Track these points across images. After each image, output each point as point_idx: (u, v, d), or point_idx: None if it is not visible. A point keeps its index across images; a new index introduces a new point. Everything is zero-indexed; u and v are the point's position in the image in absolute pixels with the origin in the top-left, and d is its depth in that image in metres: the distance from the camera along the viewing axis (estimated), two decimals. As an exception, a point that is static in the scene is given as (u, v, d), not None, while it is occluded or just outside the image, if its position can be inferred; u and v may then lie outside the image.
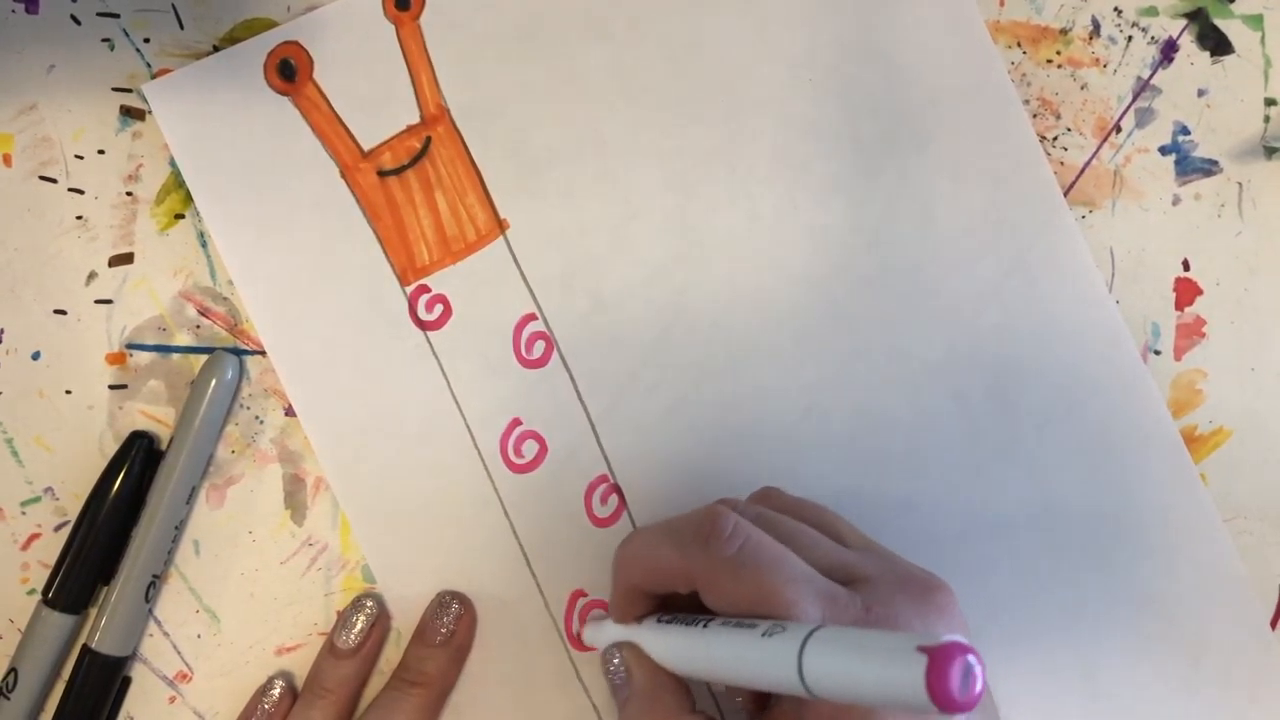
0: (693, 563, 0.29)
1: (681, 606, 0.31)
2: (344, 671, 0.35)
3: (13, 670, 0.36)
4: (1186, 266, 0.37)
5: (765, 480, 0.36)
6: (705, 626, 0.29)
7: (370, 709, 0.35)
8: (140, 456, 0.36)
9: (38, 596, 0.36)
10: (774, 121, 0.37)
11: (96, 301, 0.37)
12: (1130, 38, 0.37)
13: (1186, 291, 0.37)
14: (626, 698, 0.32)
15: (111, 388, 0.37)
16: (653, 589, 0.31)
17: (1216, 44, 0.37)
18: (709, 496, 0.36)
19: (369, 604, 0.36)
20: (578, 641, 0.37)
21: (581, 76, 0.37)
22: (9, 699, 0.36)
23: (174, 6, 0.37)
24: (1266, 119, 0.37)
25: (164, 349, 0.37)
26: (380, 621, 0.36)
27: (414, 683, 0.35)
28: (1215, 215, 0.37)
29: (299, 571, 0.37)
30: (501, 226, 0.37)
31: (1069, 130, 0.37)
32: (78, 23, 0.37)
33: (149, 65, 0.38)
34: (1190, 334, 0.37)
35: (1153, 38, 0.37)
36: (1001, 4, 0.37)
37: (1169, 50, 0.37)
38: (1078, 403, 0.36)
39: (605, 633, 0.33)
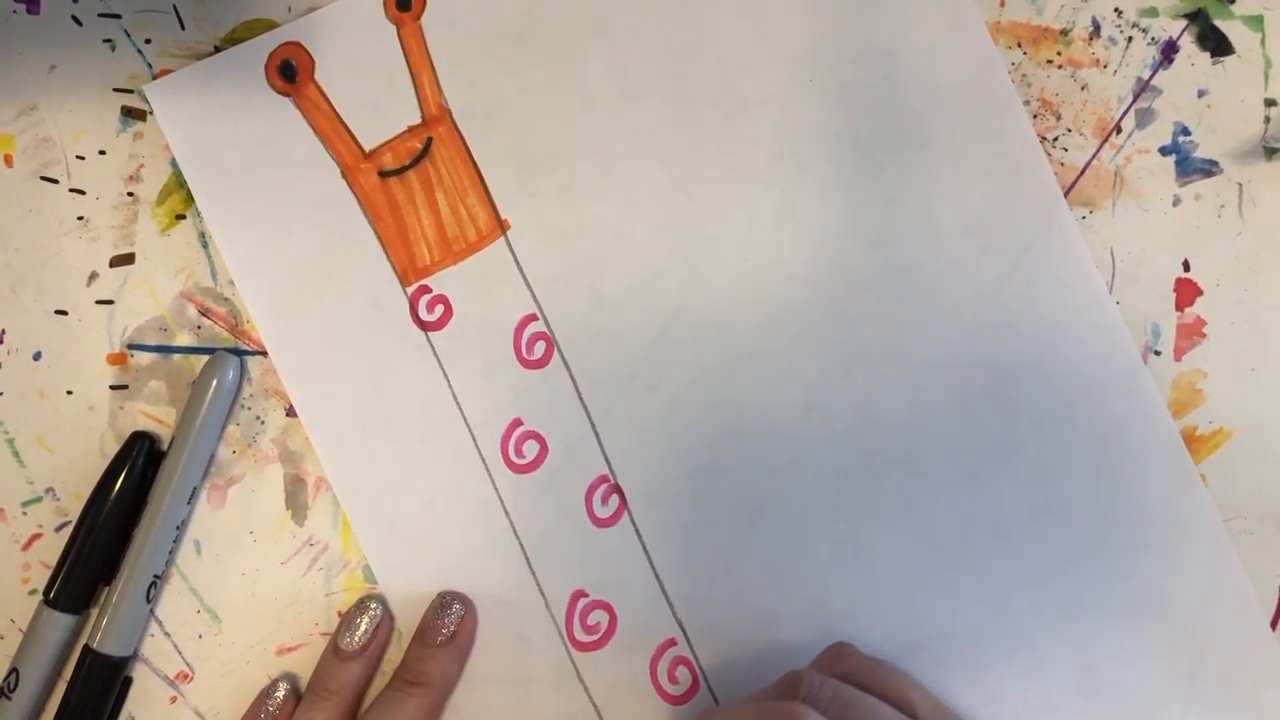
0: None
1: None
2: (348, 673, 0.35)
3: (14, 670, 0.36)
4: (1187, 267, 0.37)
5: (765, 479, 0.36)
6: None
7: (371, 709, 0.35)
8: (141, 457, 0.36)
9: (39, 596, 0.36)
10: (774, 121, 0.37)
11: (97, 302, 0.37)
12: (1130, 38, 0.37)
13: (1187, 292, 0.37)
14: None
15: (112, 388, 0.37)
16: None
17: (1217, 45, 0.37)
18: (710, 496, 0.36)
19: (373, 605, 0.36)
20: (578, 642, 0.37)
21: (582, 76, 0.37)
22: (10, 699, 0.36)
23: (175, 7, 0.37)
24: (1267, 120, 0.37)
25: (165, 349, 0.37)
26: (384, 623, 0.36)
27: (415, 683, 0.35)
28: (1215, 216, 0.37)
29: (300, 571, 0.37)
30: (502, 227, 0.37)
31: (1069, 131, 0.37)
32: (79, 23, 0.37)
33: (150, 66, 0.38)
34: (1190, 334, 0.37)
35: (1153, 38, 0.37)
36: (1002, 4, 0.37)
37: (1169, 51, 0.37)
38: (1078, 403, 0.36)
39: None
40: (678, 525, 0.37)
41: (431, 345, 0.37)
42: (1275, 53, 0.37)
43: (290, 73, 0.37)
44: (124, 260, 0.38)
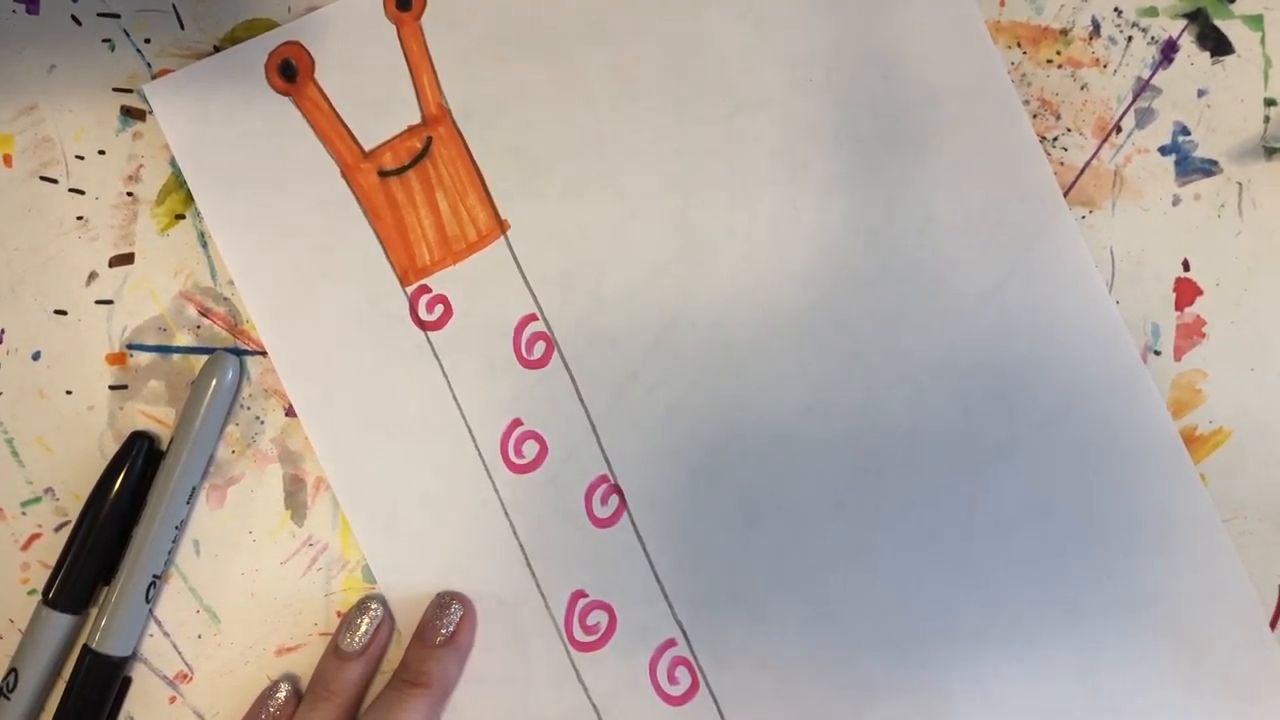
0: None
1: None
2: (348, 674, 0.35)
3: (13, 670, 0.36)
4: (1186, 267, 0.37)
5: (765, 479, 0.36)
6: None
7: (371, 709, 0.35)
8: (141, 457, 0.36)
9: (38, 596, 0.36)
10: (774, 121, 0.37)
11: (97, 302, 0.37)
12: (1130, 38, 0.37)
13: (1186, 292, 0.37)
14: None
15: (112, 388, 0.37)
16: None
17: (1216, 44, 0.37)
18: (710, 496, 0.36)
19: (373, 606, 0.36)
20: (578, 642, 0.37)
21: (582, 76, 0.37)
22: (9, 699, 0.36)
23: (175, 7, 0.37)
24: (1266, 119, 0.37)
25: (164, 349, 0.37)
26: (385, 624, 0.36)
27: (414, 683, 0.35)
28: (1215, 215, 0.37)
29: (299, 571, 0.37)
30: (502, 227, 0.37)
31: (1069, 130, 0.37)
32: (78, 23, 0.37)
33: (149, 65, 0.38)
34: (1190, 334, 0.37)
35: (1153, 38, 0.37)
36: (1002, 4, 0.37)
37: (1169, 50, 0.37)
38: (1078, 403, 0.36)
39: None
40: (678, 525, 0.37)
41: (431, 345, 0.37)
42: (1275, 52, 0.37)
43: (290, 72, 0.37)
44: (123, 260, 0.38)
